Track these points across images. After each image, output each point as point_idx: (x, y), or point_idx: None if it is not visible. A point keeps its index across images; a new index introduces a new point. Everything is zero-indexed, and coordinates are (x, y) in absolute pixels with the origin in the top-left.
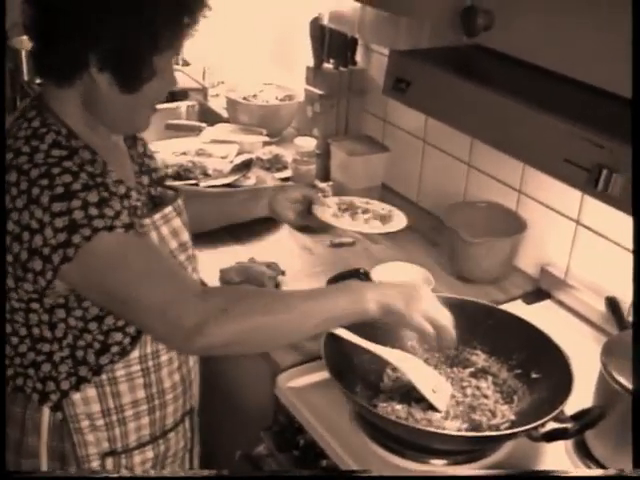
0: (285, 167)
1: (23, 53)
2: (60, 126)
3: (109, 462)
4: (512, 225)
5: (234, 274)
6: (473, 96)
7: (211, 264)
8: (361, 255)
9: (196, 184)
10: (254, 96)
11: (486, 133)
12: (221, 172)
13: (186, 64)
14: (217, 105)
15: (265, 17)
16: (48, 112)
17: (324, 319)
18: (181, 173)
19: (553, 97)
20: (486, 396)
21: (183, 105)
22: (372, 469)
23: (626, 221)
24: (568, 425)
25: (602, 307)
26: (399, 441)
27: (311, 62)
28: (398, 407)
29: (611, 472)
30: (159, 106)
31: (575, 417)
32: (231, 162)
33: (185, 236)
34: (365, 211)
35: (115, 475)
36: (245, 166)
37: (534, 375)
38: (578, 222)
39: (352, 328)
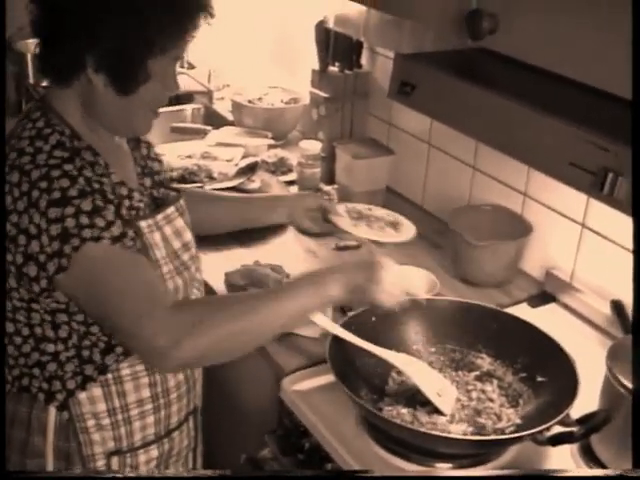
0: (290, 170)
1: (28, 56)
2: (64, 127)
3: (114, 461)
4: (517, 228)
5: (239, 277)
6: (478, 99)
7: (216, 267)
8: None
9: (201, 187)
10: (259, 99)
11: (491, 136)
12: (226, 175)
13: (191, 67)
14: (222, 108)
15: (270, 20)
16: (52, 113)
17: (290, 316)
18: (186, 176)
19: (558, 100)
20: (491, 400)
21: (188, 108)
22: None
23: (632, 224)
24: (574, 429)
25: (607, 310)
26: (404, 445)
27: (316, 65)
28: (403, 411)
29: (610, 472)
30: (164, 109)
31: (581, 421)
32: (236, 165)
33: (188, 236)
34: (378, 219)
35: (120, 475)
36: (250, 169)
37: (539, 379)
38: (584, 225)
39: (357, 331)
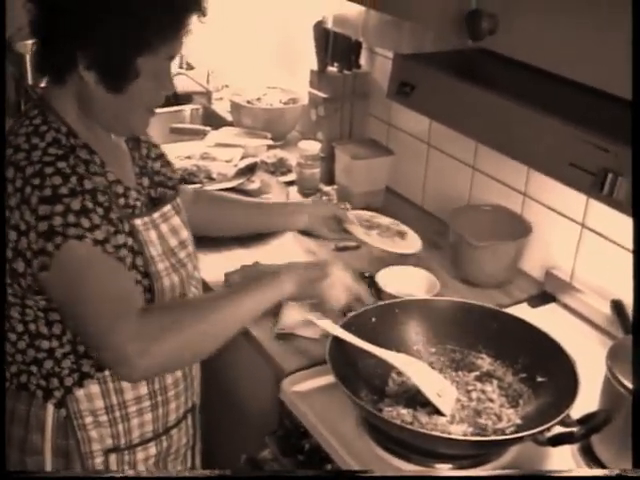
0: (289, 171)
1: (27, 57)
2: (60, 124)
3: (112, 459)
4: (517, 228)
5: (239, 278)
6: (477, 100)
7: (216, 268)
8: (365, 259)
9: (200, 188)
10: (258, 99)
11: (491, 137)
12: (225, 176)
13: (190, 68)
14: (221, 109)
15: (269, 20)
16: (49, 111)
17: (250, 314)
18: (185, 177)
19: (558, 100)
20: (491, 400)
21: (187, 109)
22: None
23: (631, 224)
24: (574, 429)
25: (608, 310)
26: (404, 445)
27: (315, 65)
28: (403, 411)
29: (609, 472)
30: (163, 110)
31: (581, 421)
32: (235, 166)
33: (184, 234)
34: (389, 228)
35: (120, 475)
36: (249, 170)
37: (539, 379)
38: (583, 225)
39: (357, 332)
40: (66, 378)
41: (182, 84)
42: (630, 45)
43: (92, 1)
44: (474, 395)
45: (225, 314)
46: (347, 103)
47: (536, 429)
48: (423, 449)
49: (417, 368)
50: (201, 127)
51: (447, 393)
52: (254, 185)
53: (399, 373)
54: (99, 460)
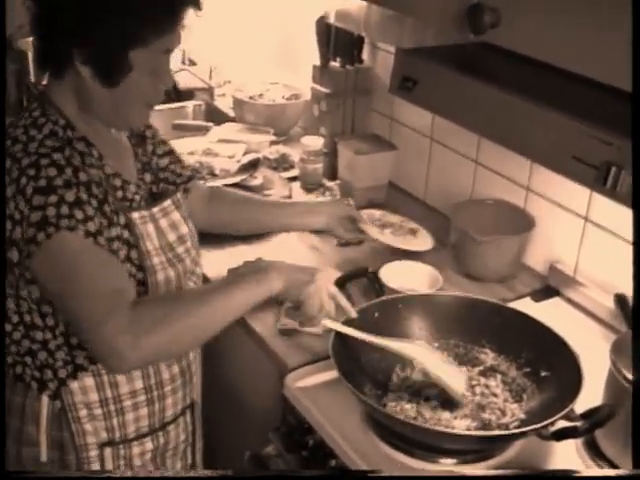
0: (292, 166)
1: (29, 54)
2: (59, 117)
3: (107, 452)
4: (520, 222)
5: None
6: (480, 94)
7: (219, 264)
8: (369, 254)
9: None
10: (260, 95)
11: (493, 131)
12: (228, 172)
13: (192, 64)
14: (224, 105)
15: (271, 16)
16: (49, 104)
17: (239, 309)
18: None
19: (561, 94)
20: (495, 395)
21: (190, 105)
22: (381, 469)
23: (632, 216)
24: (578, 423)
25: (611, 304)
26: (408, 440)
27: (317, 61)
28: (407, 406)
29: (609, 472)
30: (166, 106)
31: (585, 415)
32: (238, 162)
33: (184, 229)
34: (401, 227)
35: (117, 475)
36: (252, 166)
37: (543, 373)
38: (587, 219)
39: (360, 327)
40: (60, 370)
41: (184, 80)
42: (632, 38)
43: None
44: (478, 390)
45: (215, 308)
46: (349, 98)
47: (540, 424)
48: (427, 444)
49: (424, 351)
50: (203, 123)
51: (456, 373)
52: (257, 181)
53: (403, 367)
54: (94, 453)
